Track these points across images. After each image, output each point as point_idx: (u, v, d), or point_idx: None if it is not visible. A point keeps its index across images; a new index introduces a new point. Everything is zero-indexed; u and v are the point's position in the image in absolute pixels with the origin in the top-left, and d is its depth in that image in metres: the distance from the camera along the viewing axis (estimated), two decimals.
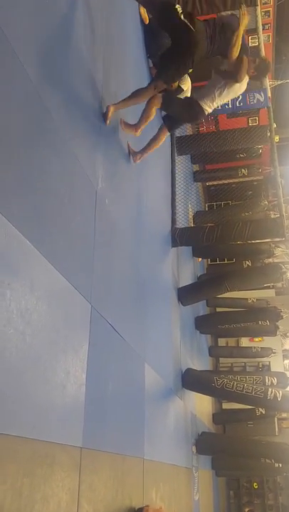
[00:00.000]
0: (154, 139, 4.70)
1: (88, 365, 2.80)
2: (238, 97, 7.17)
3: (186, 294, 6.86)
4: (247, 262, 8.71)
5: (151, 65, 6.25)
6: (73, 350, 2.62)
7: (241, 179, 10.71)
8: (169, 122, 4.70)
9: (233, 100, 7.14)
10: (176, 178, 7.44)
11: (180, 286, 6.92)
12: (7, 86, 2.18)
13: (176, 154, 7.74)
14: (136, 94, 3.98)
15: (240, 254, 8.51)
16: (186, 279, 7.71)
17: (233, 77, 3.98)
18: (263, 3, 8.40)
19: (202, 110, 4.23)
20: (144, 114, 4.15)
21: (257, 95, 7.04)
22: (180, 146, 7.95)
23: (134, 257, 4.31)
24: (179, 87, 6.10)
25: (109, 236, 3.58)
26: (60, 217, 2.65)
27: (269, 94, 7.13)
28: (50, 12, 2.87)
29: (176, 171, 7.57)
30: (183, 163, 8.37)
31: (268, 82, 7.25)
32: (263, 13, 8.43)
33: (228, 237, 6.55)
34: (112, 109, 3.77)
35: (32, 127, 2.43)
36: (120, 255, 3.83)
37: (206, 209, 11.53)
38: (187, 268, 8.18)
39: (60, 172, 2.74)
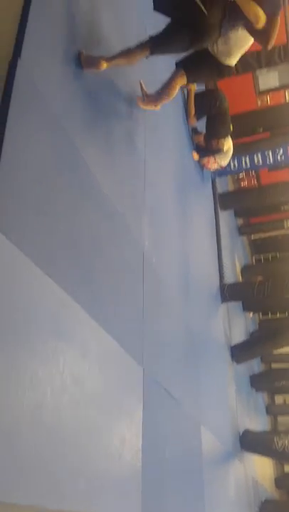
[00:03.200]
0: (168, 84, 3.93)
1: (144, 431, 2.71)
2: (279, 150, 7.23)
3: (239, 352, 6.64)
4: None
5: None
6: (128, 416, 2.55)
7: (287, 231, 10.57)
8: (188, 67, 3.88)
9: (275, 154, 7.19)
10: (221, 233, 7.42)
11: (232, 342, 6.72)
12: (60, 157, 2.29)
13: (219, 209, 7.77)
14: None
15: None
16: (239, 336, 7.50)
17: (264, 42, 3.21)
18: None
19: (228, 68, 3.82)
20: (166, 87, 3.87)
21: None
22: (223, 201, 7.99)
23: (184, 316, 4.25)
24: (218, 148, 6.19)
25: (158, 296, 3.56)
26: (110, 279, 2.67)
27: None
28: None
29: (221, 226, 7.56)
30: (227, 217, 8.39)
31: None
32: None
33: (279, 291, 6.40)
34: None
35: (81, 193, 2.51)
36: (170, 315, 3.79)
37: (254, 263, 11.37)
38: (239, 324, 7.98)
39: (109, 234, 2.80)
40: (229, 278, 6.90)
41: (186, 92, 5.90)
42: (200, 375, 4.42)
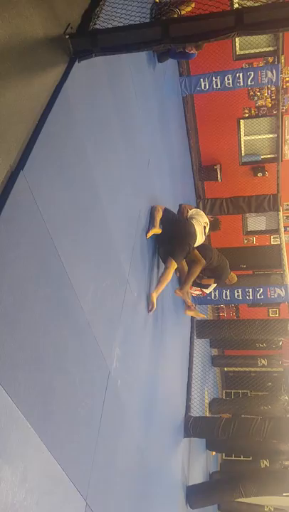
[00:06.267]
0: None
1: None
2: (259, 289, 7.41)
3: (195, 496, 6.12)
4: (265, 462, 7.96)
5: None
6: None
7: (261, 369, 10.43)
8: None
9: (255, 292, 7.36)
10: (194, 361, 7.30)
11: (189, 483, 6.25)
12: (43, 270, 2.29)
13: (195, 337, 7.73)
14: (163, 278, 4.79)
15: (258, 453, 7.83)
16: (197, 476, 7.01)
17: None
18: (285, 209, 9.15)
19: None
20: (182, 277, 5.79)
21: (278, 290, 7.25)
22: (200, 329, 7.98)
23: (141, 448, 3.97)
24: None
25: (117, 422, 3.36)
26: (68, 399, 2.53)
27: None
28: None
29: (195, 354, 7.47)
30: (202, 346, 8.31)
31: None
32: (284, 217, 9.14)
33: (245, 433, 6.10)
34: (154, 295, 4.57)
35: (58, 307, 2.46)
36: (126, 445, 3.54)
37: (223, 396, 11.04)
38: (199, 462, 7.51)
39: (77, 351, 2.71)
40: (196, 410, 6.63)
41: None
42: None
